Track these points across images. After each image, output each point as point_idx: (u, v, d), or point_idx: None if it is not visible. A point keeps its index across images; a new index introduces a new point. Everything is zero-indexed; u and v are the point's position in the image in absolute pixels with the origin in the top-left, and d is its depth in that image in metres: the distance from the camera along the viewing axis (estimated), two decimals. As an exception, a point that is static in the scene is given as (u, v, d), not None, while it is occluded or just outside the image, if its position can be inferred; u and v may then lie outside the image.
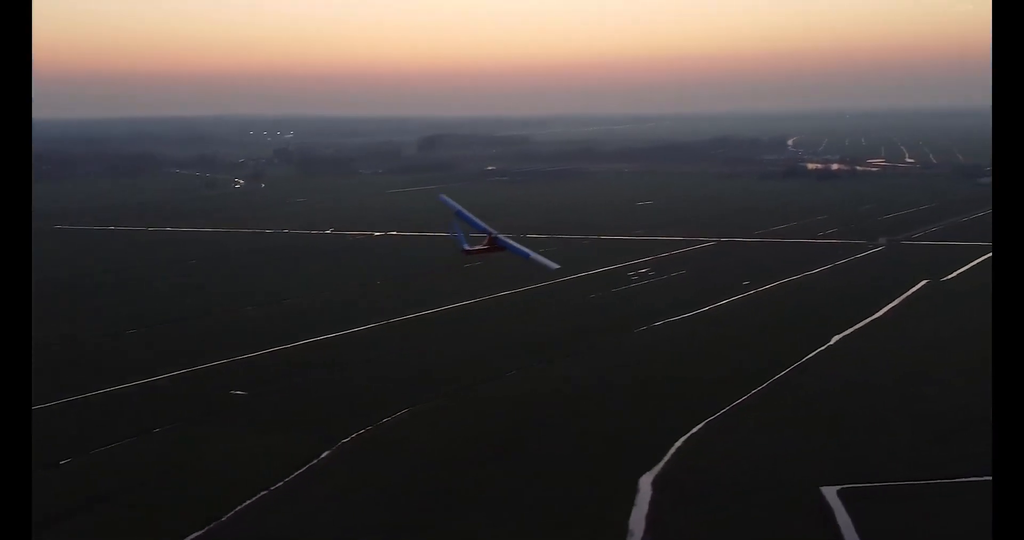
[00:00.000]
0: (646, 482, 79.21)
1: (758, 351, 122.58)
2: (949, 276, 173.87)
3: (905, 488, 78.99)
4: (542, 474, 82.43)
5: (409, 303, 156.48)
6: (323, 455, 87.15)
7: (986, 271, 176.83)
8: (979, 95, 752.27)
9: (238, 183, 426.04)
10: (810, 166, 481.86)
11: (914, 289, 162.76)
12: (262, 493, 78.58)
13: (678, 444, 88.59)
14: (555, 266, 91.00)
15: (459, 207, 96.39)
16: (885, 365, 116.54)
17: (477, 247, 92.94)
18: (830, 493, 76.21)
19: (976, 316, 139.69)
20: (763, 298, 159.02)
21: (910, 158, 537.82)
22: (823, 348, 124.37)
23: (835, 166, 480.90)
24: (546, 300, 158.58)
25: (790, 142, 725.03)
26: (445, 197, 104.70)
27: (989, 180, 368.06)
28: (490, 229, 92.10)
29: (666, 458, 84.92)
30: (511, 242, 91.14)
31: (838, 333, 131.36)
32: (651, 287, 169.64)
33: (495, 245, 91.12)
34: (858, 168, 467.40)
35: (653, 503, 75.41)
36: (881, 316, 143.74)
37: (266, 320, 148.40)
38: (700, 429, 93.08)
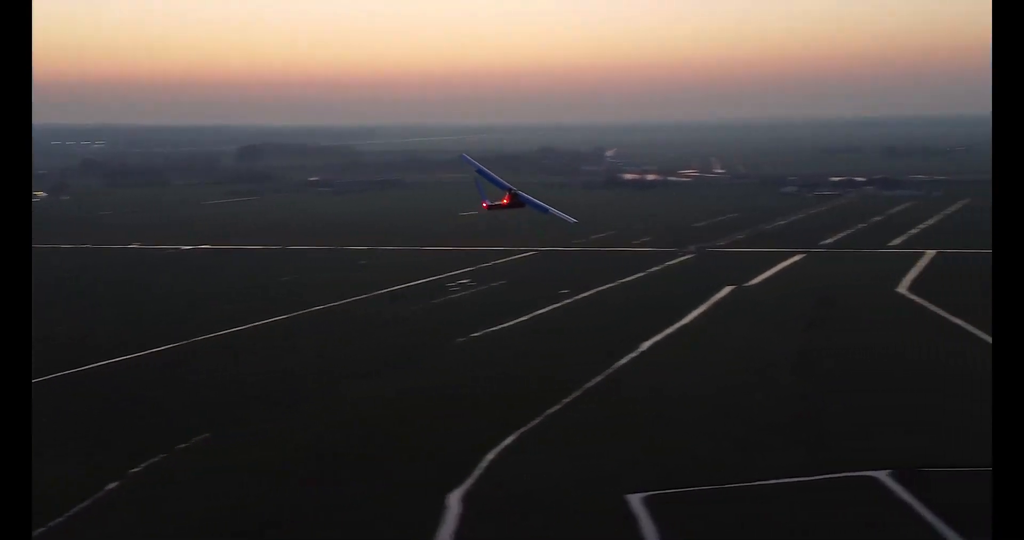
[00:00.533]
0: (455, 498, 77.95)
1: (571, 360, 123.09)
2: (752, 282, 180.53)
3: (709, 493, 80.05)
4: (350, 495, 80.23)
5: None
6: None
7: (785, 276, 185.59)
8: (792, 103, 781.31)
9: (38, 195, 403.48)
10: (627, 176, 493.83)
11: (719, 295, 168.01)
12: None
13: (489, 457, 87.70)
14: (573, 220, 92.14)
15: (479, 165, 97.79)
16: (691, 370, 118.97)
17: (496, 202, 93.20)
18: (635, 501, 76.59)
19: (777, 319, 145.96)
20: (578, 306, 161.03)
21: (720, 169, 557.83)
22: (633, 355, 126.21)
23: (650, 176, 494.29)
24: (362, 313, 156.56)
25: (609, 153, 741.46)
26: (466, 156, 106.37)
27: (792, 189, 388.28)
28: (510, 186, 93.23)
29: (475, 473, 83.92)
30: (530, 198, 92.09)
31: (646, 340, 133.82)
32: (469, 298, 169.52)
33: (515, 201, 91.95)
34: (671, 178, 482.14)
35: (461, 519, 74.22)
36: (688, 322, 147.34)
37: None
38: (512, 441, 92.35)
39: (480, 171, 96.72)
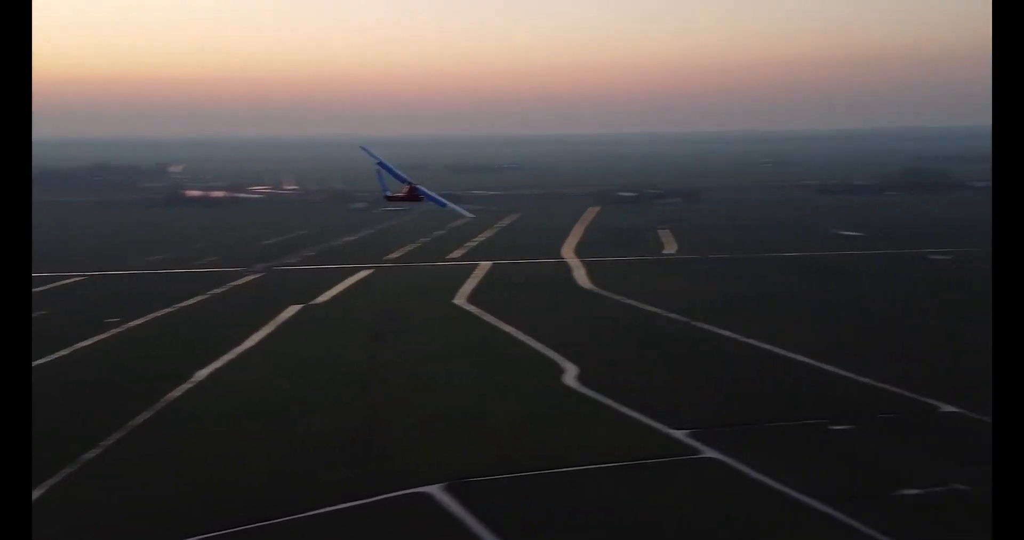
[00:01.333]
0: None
1: (109, 398, 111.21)
2: (318, 299, 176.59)
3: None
4: None
5: None
6: None
7: (352, 292, 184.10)
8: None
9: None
10: (193, 193, 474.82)
11: (284, 315, 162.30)
12: None
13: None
14: (470, 216, 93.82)
15: (380, 157, 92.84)
16: (252, 395, 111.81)
17: (397, 194, 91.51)
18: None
19: (343, 337, 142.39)
20: (128, 336, 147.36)
21: (291, 185, 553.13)
22: (186, 386, 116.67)
23: (219, 193, 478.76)
24: None
25: (174, 169, 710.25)
26: (366, 147, 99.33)
27: (362, 205, 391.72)
28: (409, 179, 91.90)
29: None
30: (429, 192, 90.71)
31: (203, 367, 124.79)
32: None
33: (414, 194, 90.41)
34: (240, 195, 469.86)
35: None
36: (252, 345, 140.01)
37: None
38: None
39: (381, 163, 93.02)
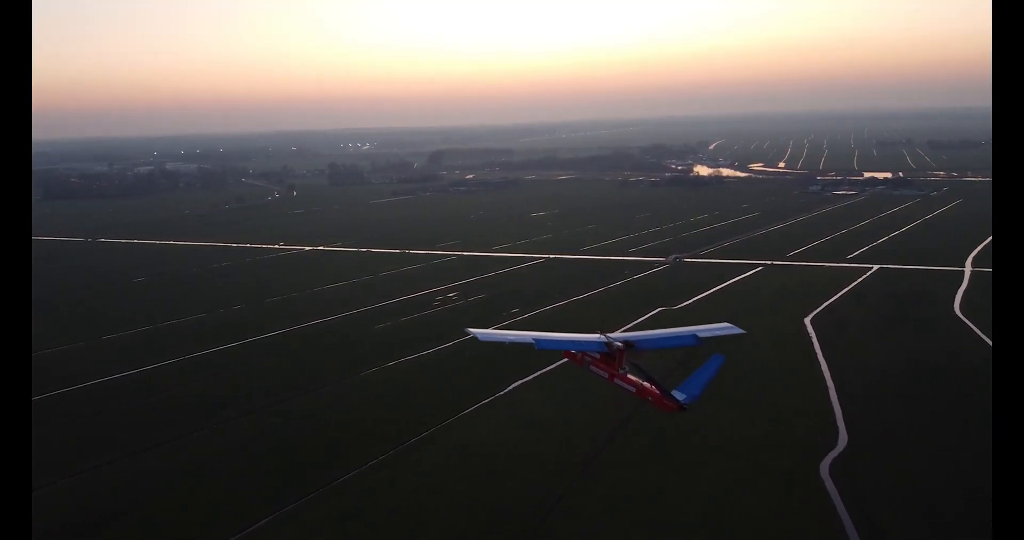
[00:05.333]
0: None
1: (434, 398, 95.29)
2: (684, 303, 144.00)
3: None
4: None
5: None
6: None
7: (721, 298, 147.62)
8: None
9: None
10: (701, 172, 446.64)
11: (647, 316, 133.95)
12: None
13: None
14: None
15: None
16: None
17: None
18: None
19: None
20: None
21: (782, 164, 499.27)
22: (496, 396, 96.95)
23: (723, 171, 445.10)
24: (322, 334, 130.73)
25: (711, 146, 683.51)
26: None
27: (817, 188, 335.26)
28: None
29: None
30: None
31: (519, 380, 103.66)
32: (432, 316, 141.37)
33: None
34: (732, 174, 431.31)
35: None
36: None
37: None
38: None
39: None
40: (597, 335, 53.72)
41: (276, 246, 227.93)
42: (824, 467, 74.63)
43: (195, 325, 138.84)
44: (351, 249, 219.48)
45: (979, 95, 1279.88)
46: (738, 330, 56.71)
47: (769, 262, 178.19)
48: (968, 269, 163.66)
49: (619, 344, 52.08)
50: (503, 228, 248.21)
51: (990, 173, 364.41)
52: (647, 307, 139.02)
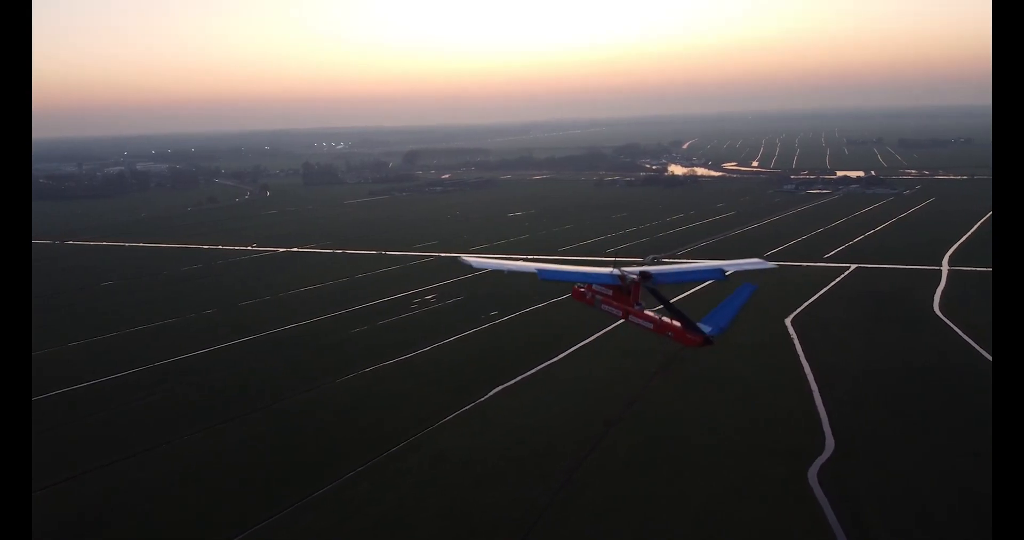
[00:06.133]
0: None
1: (410, 406, 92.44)
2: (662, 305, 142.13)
3: None
4: None
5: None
6: None
7: (699, 299, 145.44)
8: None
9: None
10: (676, 171, 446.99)
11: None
12: None
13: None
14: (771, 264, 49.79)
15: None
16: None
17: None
18: None
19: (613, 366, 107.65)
20: (487, 335, 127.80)
21: (755, 163, 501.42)
22: (475, 403, 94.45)
23: (697, 171, 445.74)
24: (294, 339, 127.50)
25: (684, 146, 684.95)
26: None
27: (791, 187, 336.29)
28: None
29: None
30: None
31: (500, 385, 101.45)
32: (410, 320, 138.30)
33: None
34: (707, 174, 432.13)
35: None
36: (573, 350, 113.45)
37: None
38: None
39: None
40: (610, 270, 49.23)
41: (249, 248, 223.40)
42: (812, 474, 73.02)
43: (164, 330, 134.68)
44: (326, 251, 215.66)
45: (948, 94, 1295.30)
46: (769, 264, 52.70)
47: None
48: (945, 268, 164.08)
49: (633, 276, 46.74)
50: (480, 228, 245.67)
51: (961, 172, 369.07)
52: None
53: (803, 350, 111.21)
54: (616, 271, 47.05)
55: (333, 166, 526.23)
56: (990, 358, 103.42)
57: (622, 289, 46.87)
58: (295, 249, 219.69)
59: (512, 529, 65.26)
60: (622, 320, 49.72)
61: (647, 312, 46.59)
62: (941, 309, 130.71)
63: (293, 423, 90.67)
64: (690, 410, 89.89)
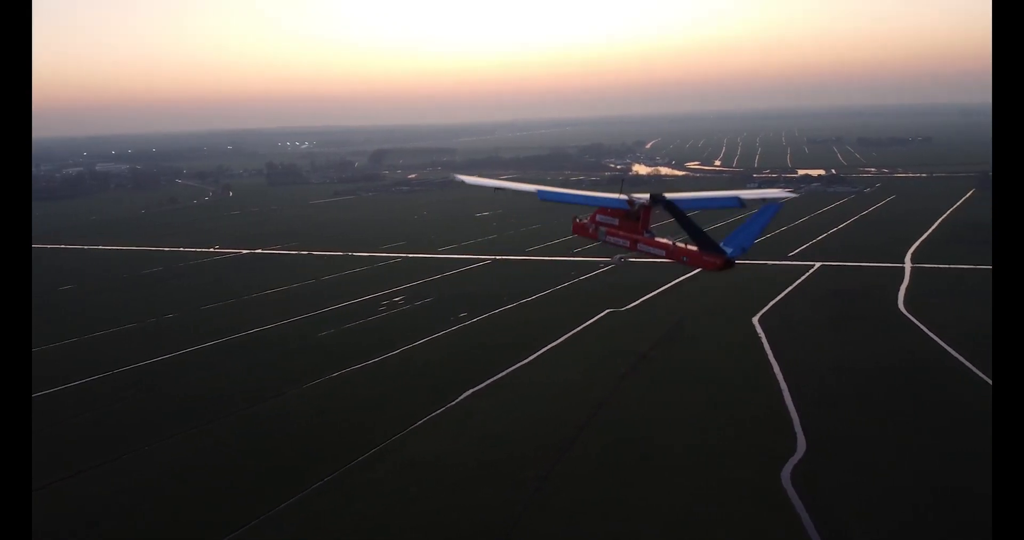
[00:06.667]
0: None
1: (381, 412, 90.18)
2: (631, 304, 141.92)
3: None
4: None
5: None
6: None
7: (662, 301, 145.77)
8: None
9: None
10: (640, 171, 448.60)
11: (595, 318, 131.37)
12: None
13: None
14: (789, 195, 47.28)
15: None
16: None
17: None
18: None
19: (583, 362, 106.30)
20: (457, 336, 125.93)
21: (717, 162, 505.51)
22: (447, 407, 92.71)
23: (661, 170, 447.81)
24: (255, 343, 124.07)
25: (648, 145, 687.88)
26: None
27: (754, 186, 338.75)
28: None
29: None
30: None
31: (471, 388, 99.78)
32: (379, 322, 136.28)
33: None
34: (671, 173, 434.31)
35: None
36: (543, 353, 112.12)
37: None
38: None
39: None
40: (618, 195, 44.88)
41: (212, 249, 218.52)
42: (785, 475, 72.55)
43: (124, 336, 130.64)
44: (292, 252, 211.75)
45: (905, 93, 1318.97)
46: (787, 194, 49.69)
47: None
48: (908, 265, 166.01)
49: (643, 200, 43.79)
50: (448, 229, 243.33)
51: (920, 170, 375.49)
52: (595, 309, 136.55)
53: (771, 349, 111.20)
54: (624, 196, 44.56)
55: (298, 166, 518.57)
56: (958, 356, 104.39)
57: (630, 215, 44.32)
58: (259, 251, 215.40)
59: (486, 535, 63.69)
60: (616, 267, 46.12)
61: (658, 239, 44.19)
62: (906, 307, 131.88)
63: (258, 431, 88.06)
64: (661, 412, 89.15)
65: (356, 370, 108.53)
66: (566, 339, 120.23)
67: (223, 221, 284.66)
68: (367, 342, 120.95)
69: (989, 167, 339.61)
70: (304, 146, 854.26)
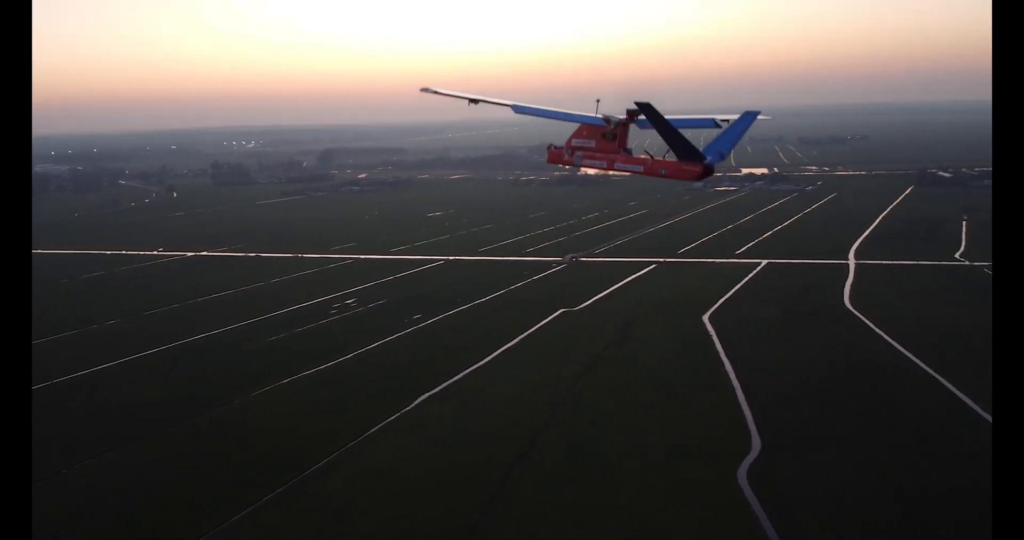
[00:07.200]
0: None
1: (334, 418, 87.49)
2: (584, 304, 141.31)
3: None
4: None
5: None
6: None
7: (614, 300, 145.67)
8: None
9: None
10: (589, 171, 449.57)
11: (549, 318, 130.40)
12: None
13: None
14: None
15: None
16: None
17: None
18: None
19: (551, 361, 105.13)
20: (411, 339, 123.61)
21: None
22: (401, 413, 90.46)
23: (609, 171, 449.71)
24: (195, 353, 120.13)
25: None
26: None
27: (699, 185, 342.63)
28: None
29: None
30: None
31: (426, 393, 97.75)
32: (330, 326, 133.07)
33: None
34: (619, 174, 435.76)
35: None
36: (497, 355, 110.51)
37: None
38: None
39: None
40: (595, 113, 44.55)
41: (155, 252, 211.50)
42: (742, 474, 72.39)
43: (64, 344, 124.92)
44: (239, 254, 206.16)
45: (843, 93, 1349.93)
46: (760, 115, 48.21)
47: (662, 260, 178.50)
48: (852, 262, 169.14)
49: (620, 117, 43.75)
50: (400, 229, 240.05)
51: (859, 168, 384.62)
52: (549, 309, 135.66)
53: (723, 348, 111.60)
54: (600, 115, 44.40)
55: (244, 165, 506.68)
56: (904, 352, 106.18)
57: (606, 135, 44.06)
58: (205, 253, 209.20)
59: (443, 548, 61.92)
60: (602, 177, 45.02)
61: (635, 156, 43.91)
62: (852, 303, 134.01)
63: (204, 442, 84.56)
64: (616, 413, 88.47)
65: (308, 376, 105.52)
66: (521, 340, 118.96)
67: (168, 223, 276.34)
68: (319, 346, 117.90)
69: (925, 165, 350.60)
70: (251, 145, 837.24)
